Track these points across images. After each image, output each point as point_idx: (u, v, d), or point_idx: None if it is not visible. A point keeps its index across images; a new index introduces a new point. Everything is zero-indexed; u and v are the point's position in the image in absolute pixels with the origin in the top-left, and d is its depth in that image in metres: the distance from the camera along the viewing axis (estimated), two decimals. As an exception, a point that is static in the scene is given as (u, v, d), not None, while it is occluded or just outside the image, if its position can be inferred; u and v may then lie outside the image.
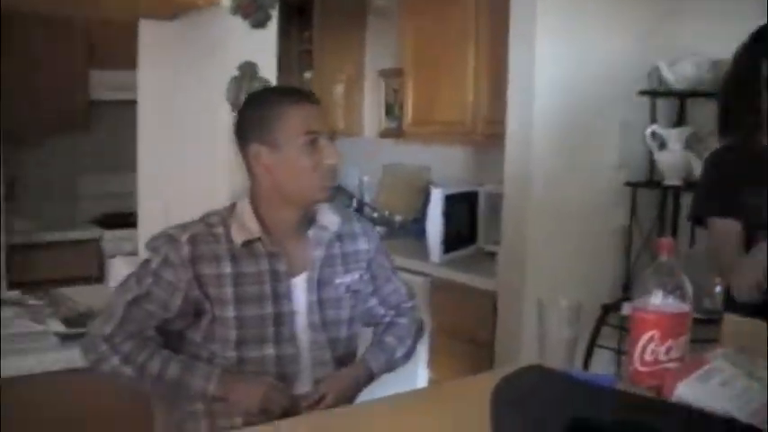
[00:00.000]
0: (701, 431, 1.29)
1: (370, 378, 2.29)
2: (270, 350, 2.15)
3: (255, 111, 2.18)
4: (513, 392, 1.35)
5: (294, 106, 2.12)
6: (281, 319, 2.15)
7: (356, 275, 2.30)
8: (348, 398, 2.21)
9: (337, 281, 2.25)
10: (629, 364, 1.94)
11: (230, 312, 2.10)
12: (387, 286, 2.42)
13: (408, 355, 2.44)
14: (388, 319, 2.45)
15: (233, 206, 2.20)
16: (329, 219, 2.25)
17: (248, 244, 2.12)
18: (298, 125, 2.09)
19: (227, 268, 2.10)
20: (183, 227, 2.14)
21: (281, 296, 2.15)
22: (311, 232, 2.22)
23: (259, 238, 2.13)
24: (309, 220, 2.23)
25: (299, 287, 2.20)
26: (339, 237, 2.27)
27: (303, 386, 2.20)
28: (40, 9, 4.62)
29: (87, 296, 2.98)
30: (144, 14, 4.13)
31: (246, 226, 2.13)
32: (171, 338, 2.19)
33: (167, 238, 2.12)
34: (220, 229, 2.13)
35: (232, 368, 2.14)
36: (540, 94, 3.73)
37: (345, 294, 2.27)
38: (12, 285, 4.68)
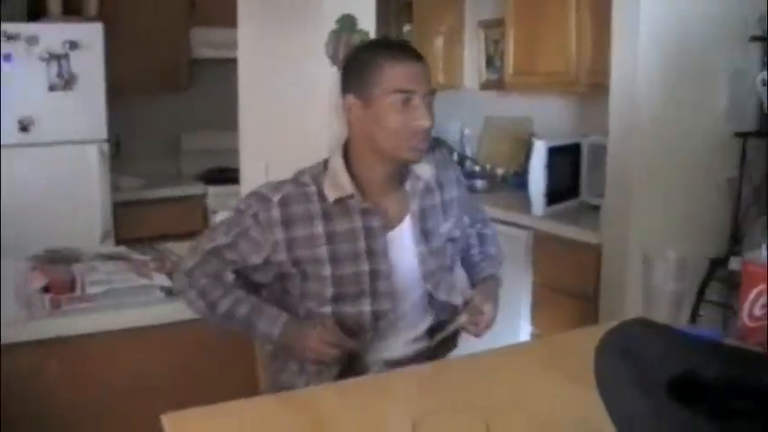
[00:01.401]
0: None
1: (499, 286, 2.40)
2: (366, 306, 2.14)
3: (355, 62, 2.14)
4: (618, 345, 1.32)
5: (390, 62, 2.05)
6: (377, 275, 2.14)
7: (452, 222, 2.29)
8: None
9: (441, 230, 2.25)
10: (738, 318, 1.90)
11: (326, 271, 2.10)
12: (471, 212, 2.47)
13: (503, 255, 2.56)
14: (477, 230, 2.51)
15: (325, 162, 2.18)
16: (421, 168, 2.21)
17: (341, 201, 2.11)
18: (390, 82, 2.04)
19: (320, 227, 2.10)
20: (276, 187, 2.14)
21: (376, 252, 2.14)
22: (408, 184, 2.20)
23: (352, 195, 2.11)
24: (404, 172, 2.20)
25: (397, 240, 2.18)
26: (440, 185, 2.26)
27: (404, 335, 2.21)
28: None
29: (191, 251, 3.02)
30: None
31: (339, 183, 2.11)
32: (273, 290, 2.22)
33: (259, 197, 2.13)
34: (313, 188, 2.12)
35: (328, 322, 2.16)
36: (644, 42, 3.62)
37: (447, 243, 2.27)
38: (119, 242, 4.79)
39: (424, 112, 2.05)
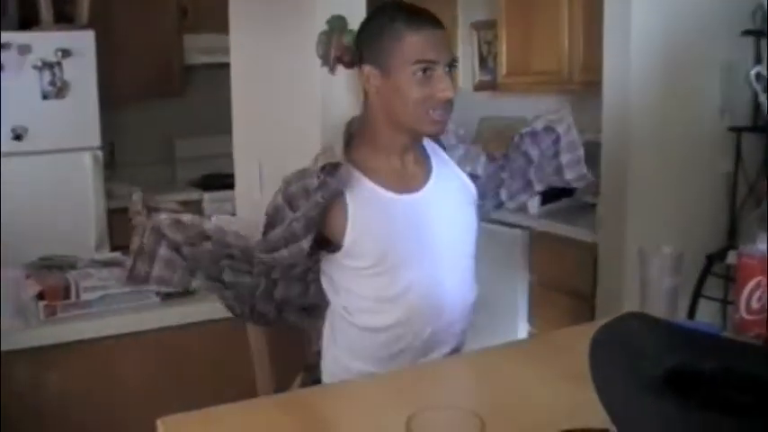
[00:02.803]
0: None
1: None
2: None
3: (372, 30, 2.05)
4: (613, 338, 1.31)
5: (410, 30, 1.96)
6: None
7: None
8: None
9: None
10: (734, 312, 1.89)
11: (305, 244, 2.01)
12: None
13: None
14: None
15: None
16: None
17: (333, 170, 1.98)
18: (410, 53, 1.95)
19: (319, 198, 1.99)
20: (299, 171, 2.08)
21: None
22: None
23: (339, 164, 1.98)
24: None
25: (416, 205, 2.11)
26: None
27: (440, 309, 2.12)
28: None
29: (187, 256, 3.01)
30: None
31: (333, 151, 2.02)
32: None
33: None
34: (313, 165, 2.02)
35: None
36: (637, 38, 3.61)
37: None
38: (114, 249, 4.77)
39: (447, 82, 1.98)
